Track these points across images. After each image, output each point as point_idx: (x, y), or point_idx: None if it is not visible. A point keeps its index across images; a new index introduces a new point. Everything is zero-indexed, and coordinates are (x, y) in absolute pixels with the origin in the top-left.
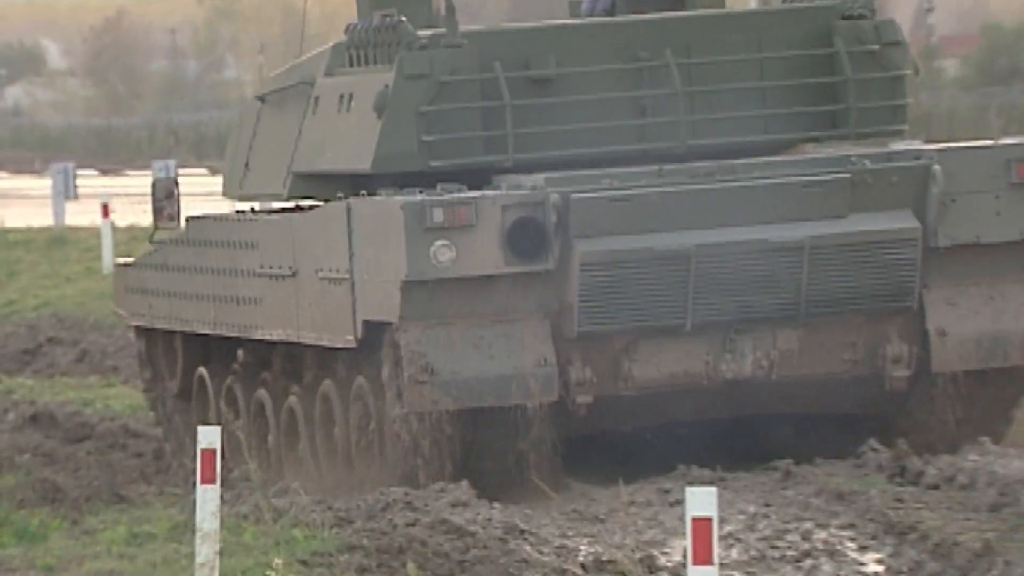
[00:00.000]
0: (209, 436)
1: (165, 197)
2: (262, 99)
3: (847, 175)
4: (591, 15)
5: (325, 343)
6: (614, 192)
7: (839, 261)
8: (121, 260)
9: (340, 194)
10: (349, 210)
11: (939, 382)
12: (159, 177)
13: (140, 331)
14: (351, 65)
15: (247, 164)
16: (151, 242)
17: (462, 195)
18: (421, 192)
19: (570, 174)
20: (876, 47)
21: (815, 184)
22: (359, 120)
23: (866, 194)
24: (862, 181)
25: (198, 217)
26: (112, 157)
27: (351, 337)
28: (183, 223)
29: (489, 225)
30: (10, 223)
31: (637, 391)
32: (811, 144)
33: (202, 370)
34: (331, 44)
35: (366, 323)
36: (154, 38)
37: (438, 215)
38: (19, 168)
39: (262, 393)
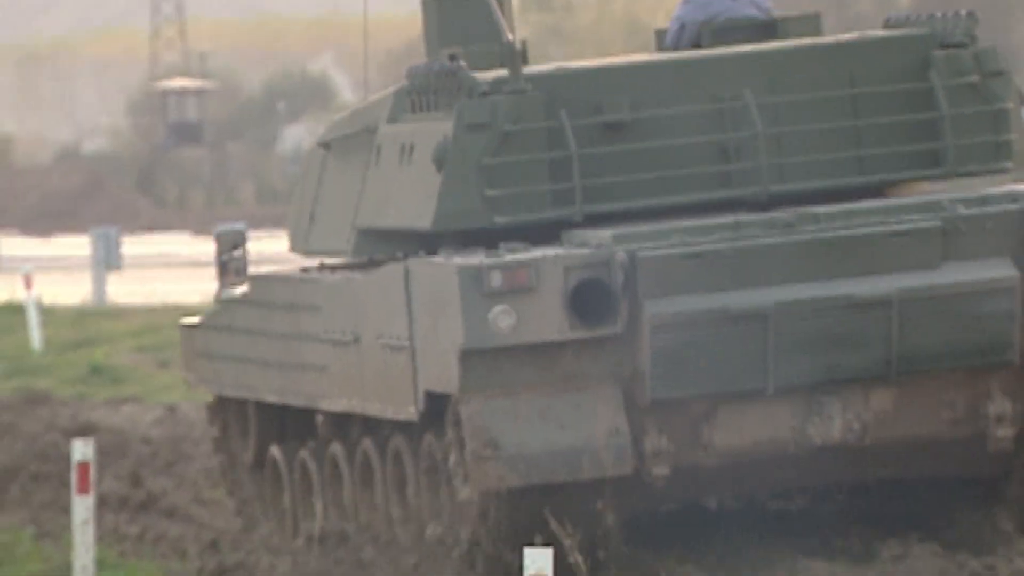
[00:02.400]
0: (538, 561)
1: (231, 249)
2: (326, 146)
3: (938, 223)
4: (676, 48)
5: (389, 415)
6: (685, 249)
7: (932, 315)
8: (187, 320)
9: (400, 253)
10: (407, 273)
11: None
12: (223, 229)
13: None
14: (413, 111)
15: (312, 216)
16: (216, 301)
17: (521, 257)
18: (484, 252)
19: (638, 229)
20: (975, 78)
21: (903, 234)
22: (420, 173)
23: (959, 242)
24: (955, 228)
25: (261, 276)
26: None
27: (412, 409)
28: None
29: (551, 288)
30: None
31: (718, 459)
32: (904, 186)
33: (275, 449)
34: (393, 89)
35: (428, 394)
36: None
37: (496, 279)
38: None
39: (336, 448)
